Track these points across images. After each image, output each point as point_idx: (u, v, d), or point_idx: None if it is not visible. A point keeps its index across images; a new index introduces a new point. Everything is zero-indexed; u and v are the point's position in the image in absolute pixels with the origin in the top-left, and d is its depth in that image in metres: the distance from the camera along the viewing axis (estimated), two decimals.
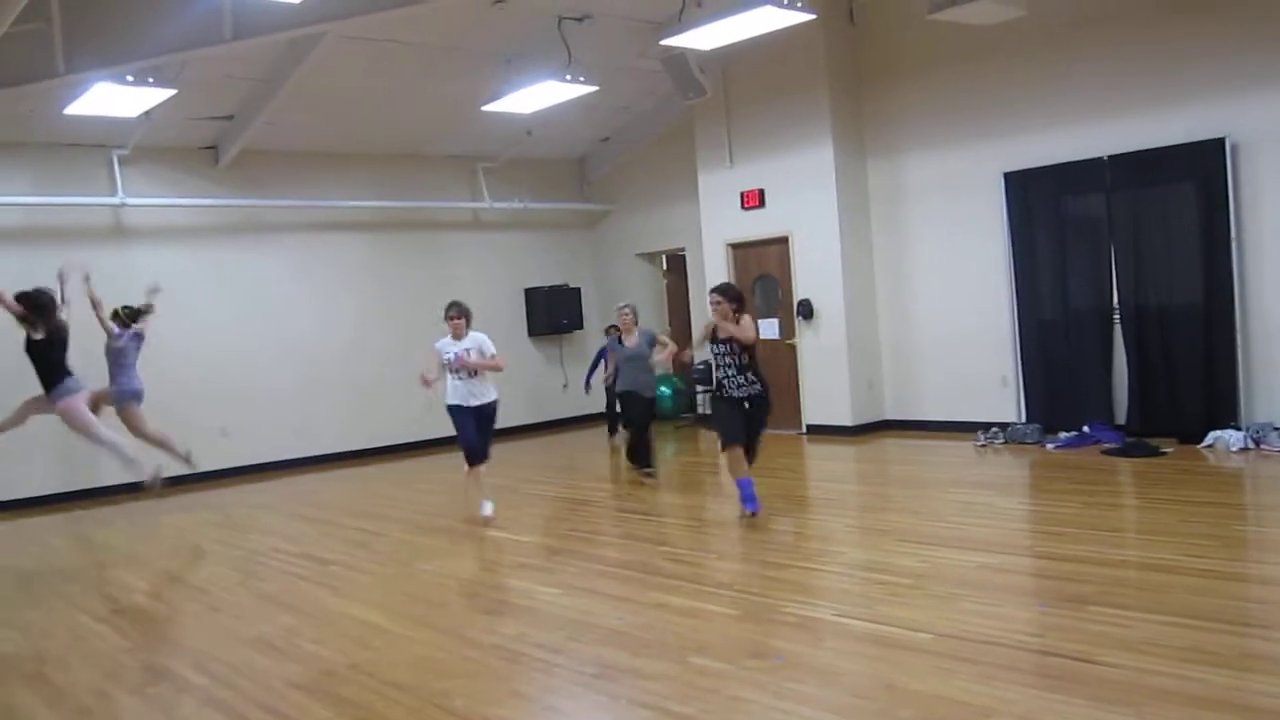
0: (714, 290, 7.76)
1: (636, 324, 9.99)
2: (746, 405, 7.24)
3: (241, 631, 5.51)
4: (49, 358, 7.99)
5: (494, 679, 4.51)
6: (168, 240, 11.24)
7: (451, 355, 7.82)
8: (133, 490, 10.10)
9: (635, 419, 9.95)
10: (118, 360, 9.15)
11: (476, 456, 8.05)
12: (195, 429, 11.17)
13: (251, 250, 11.79)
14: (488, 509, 8.01)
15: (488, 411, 8.04)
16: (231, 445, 11.50)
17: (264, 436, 11.73)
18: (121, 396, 9.20)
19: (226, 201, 11.52)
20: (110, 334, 9.11)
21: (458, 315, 7.94)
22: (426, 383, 7.93)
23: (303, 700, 4.36)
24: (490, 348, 7.99)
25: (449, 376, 7.89)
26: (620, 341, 10.11)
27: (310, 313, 12.17)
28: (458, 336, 7.91)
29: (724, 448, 7.31)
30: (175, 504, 10.01)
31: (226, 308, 11.54)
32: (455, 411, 7.97)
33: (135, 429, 9.31)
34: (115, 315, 9.25)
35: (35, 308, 7.97)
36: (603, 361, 11.89)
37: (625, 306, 10.02)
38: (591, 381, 12.76)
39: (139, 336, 9.28)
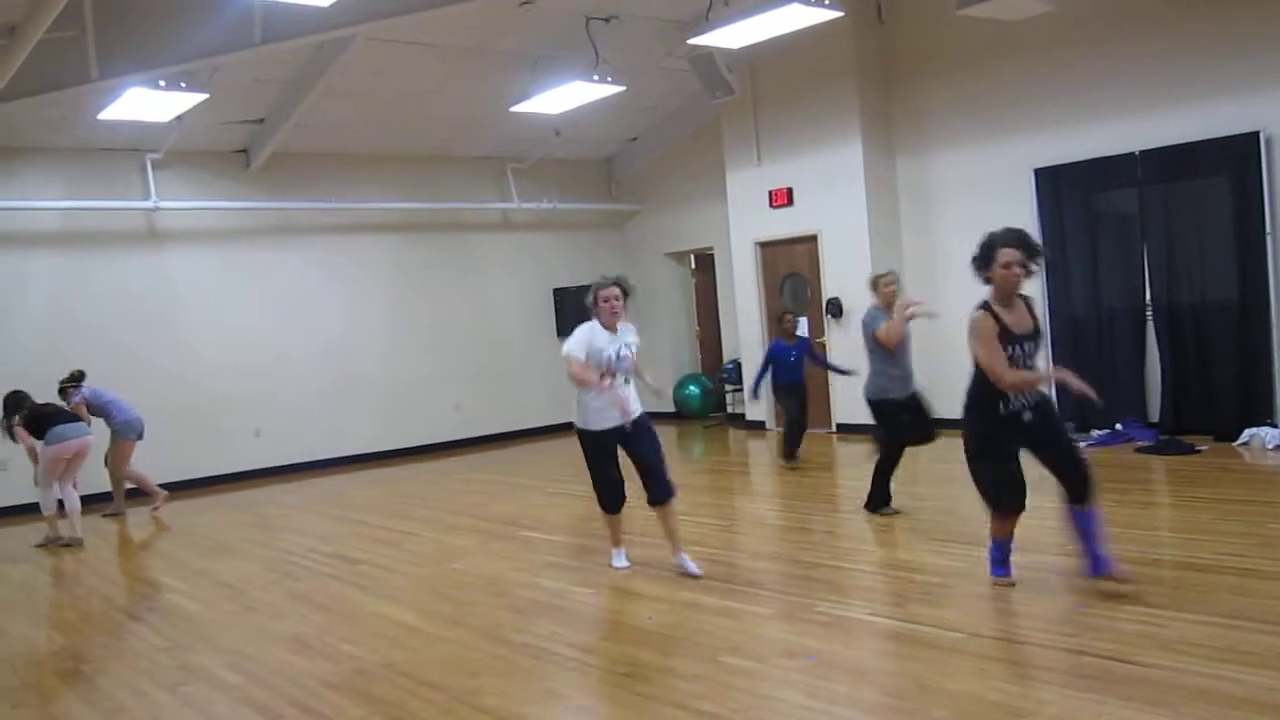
0: (1010, 240, 5.51)
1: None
2: (1029, 418, 5.03)
3: (276, 631, 5.56)
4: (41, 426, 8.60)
5: (526, 678, 4.52)
6: (200, 243, 11.35)
7: (613, 353, 5.86)
8: (168, 491, 10.24)
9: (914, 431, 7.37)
10: (99, 408, 9.38)
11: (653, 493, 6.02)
12: (228, 430, 11.33)
13: (283, 252, 11.88)
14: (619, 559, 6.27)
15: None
16: (264, 446, 11.60)
17: (296, 437, 11.82)
18: (125, 429, 9.49)
19: (258, 204, 11.61)
20: (80, 407, 9.24)
21: (622, 293, 5.95)
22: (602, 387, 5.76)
23: (336, 699, 4.40)
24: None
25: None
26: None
27: (341, 314, 12.25)
28: (611, 317, 5.92)
29: (999, 511, 5.18)
30: (209, 504, 10.11)
31: (258, 309, 11.63)
32: (599, 446, 6.01)
33: (120, 465, 9.59)
34: (63, 391, 9.31)
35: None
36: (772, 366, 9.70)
37: (890, 274, 7.60)
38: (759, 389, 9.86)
39: (92, 390, 9.45)
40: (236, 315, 11.48)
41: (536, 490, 9.61)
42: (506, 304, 13.63)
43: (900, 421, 7.20)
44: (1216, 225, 8.88)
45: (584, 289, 14.88)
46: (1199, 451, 8.51)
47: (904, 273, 11.32)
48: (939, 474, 9.12)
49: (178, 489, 10.60)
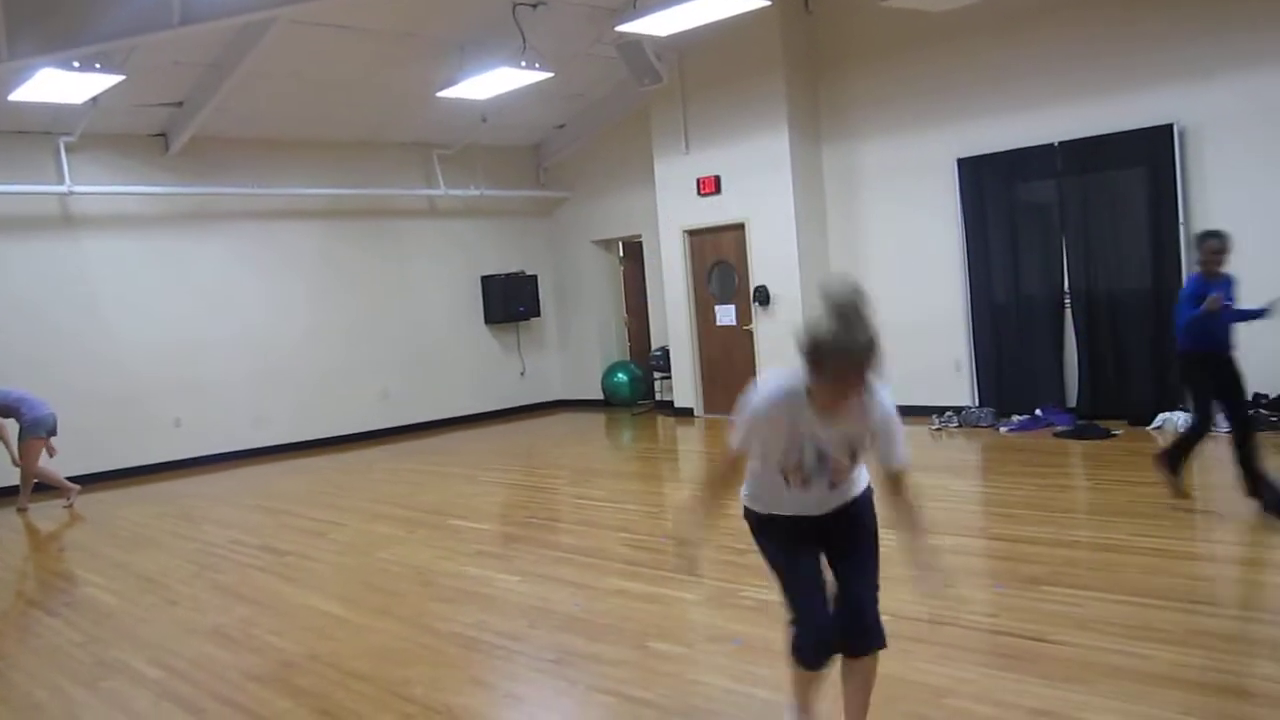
0: None
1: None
2: None
3: (198, 624, 5.46)
4: None
5: (453, 667, 4.50)
6: (117, 229, 11.07)
7: (810, 456, 3.04)
8: (86, 483, 10.00)
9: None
10: (9, 408, 9.19)
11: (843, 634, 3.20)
12: (148, 420, 11.09)
13: (203, 239, 11.63)
14: None
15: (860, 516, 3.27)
16: (185, 436, 11.37)
17: (218, 427, 11.60)
18: (34, 427, 9.23)
19: (177, 189, 11.34)
20: None
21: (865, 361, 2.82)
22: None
23: (261, 692, 4.34)
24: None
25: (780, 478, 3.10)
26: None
27: (264, 302, 12.04)
28: (848, 397, 2.89)
29: None
30: (129, 496, 9.89)
31: (178, 297, 11.38)
32: (783, 531, 3.22)
33: (29, 463, 9.33)
34: None
35: None
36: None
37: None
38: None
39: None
40: (156, 304, 11.22)
41: (464, 479, 9.56)
42: (433, 291, 13.51)
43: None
44: (1132, 215, 9.11)
45: (512, 276, 14.99)
46: (1114, 436, 8.73)
47: (829, 261, 11.46)
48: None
49: (96, 480, 10.38)
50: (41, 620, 5.89)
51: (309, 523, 8.05)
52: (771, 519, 3.23)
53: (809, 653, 3.15)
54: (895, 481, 3.11)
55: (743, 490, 3.27)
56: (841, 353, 2.78)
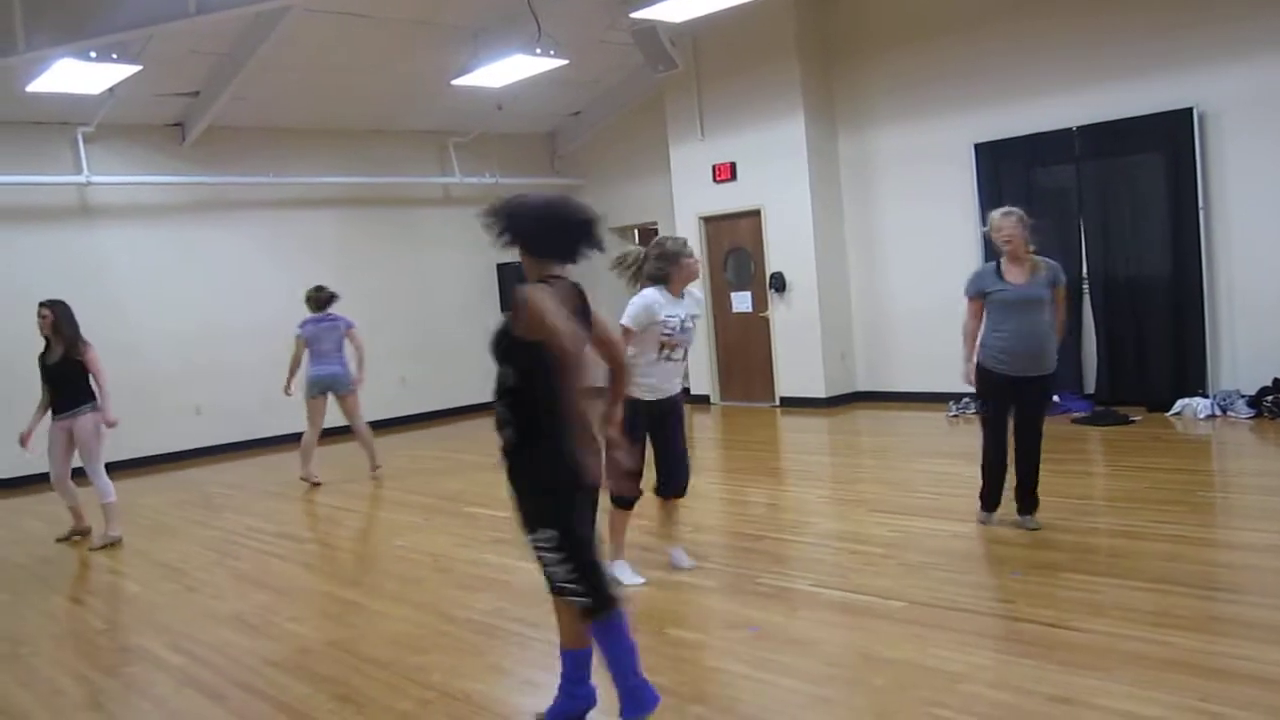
0: None
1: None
2: None
3: (218, 611, 5.50)
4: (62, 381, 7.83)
5: (471, 653, 4.52)
6: (135, 219, 11.12)
7: (678, 321, 5.24)
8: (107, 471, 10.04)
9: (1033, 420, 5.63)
10: (312, 349, 9.29)
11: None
12: (168, 408, 11.15)
13: (220, 228, 11.68)
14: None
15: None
16: (205, 424, 11.44)
17: (237, 415, 11.65)
18: (308, 387, 9.25)
19: (193, 179, 11.39)
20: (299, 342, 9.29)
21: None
22: None
23: (280, 678, 4.37)
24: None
25: (655, 361, 5.25)
26: (999, 272, 5.64)
27: (281, 290, 12.03)
28: (692, 268, 5.31)
29: None
30: (149, 484, 9.96)
31: (196, 286, 11.43)
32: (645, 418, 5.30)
33: (350, 418, 9.40)
34: (308, 299, 9.32)
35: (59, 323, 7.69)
36: None
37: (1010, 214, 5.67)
38: None
39: (328, 319, 9.35)
40: (174, 292, 11.28)
41: (480, 466, 9.56)
42: (449, 279, 13.53)
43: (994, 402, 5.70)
44: (1151, 200, 9.05)
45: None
46: (1133, 422, 8.69)
47: (845, 247, 11.43)
48: (879, 447, 9.25)
49: (117, 469, 10.36)
50: (63, 607, 5.95)
51: (327, 510, 8.09)
52: (638, 406, 4.99)
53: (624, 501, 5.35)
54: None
55: (636, 380, 4.92)
56: (677, 243, 5.24)
